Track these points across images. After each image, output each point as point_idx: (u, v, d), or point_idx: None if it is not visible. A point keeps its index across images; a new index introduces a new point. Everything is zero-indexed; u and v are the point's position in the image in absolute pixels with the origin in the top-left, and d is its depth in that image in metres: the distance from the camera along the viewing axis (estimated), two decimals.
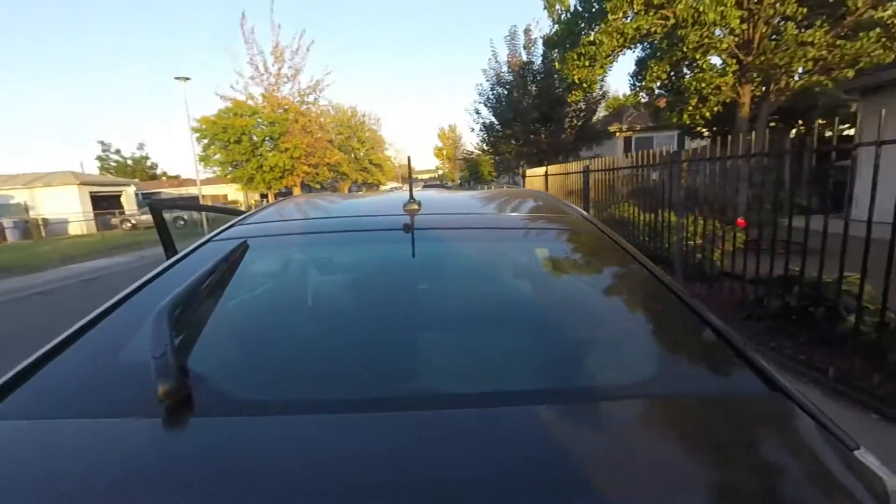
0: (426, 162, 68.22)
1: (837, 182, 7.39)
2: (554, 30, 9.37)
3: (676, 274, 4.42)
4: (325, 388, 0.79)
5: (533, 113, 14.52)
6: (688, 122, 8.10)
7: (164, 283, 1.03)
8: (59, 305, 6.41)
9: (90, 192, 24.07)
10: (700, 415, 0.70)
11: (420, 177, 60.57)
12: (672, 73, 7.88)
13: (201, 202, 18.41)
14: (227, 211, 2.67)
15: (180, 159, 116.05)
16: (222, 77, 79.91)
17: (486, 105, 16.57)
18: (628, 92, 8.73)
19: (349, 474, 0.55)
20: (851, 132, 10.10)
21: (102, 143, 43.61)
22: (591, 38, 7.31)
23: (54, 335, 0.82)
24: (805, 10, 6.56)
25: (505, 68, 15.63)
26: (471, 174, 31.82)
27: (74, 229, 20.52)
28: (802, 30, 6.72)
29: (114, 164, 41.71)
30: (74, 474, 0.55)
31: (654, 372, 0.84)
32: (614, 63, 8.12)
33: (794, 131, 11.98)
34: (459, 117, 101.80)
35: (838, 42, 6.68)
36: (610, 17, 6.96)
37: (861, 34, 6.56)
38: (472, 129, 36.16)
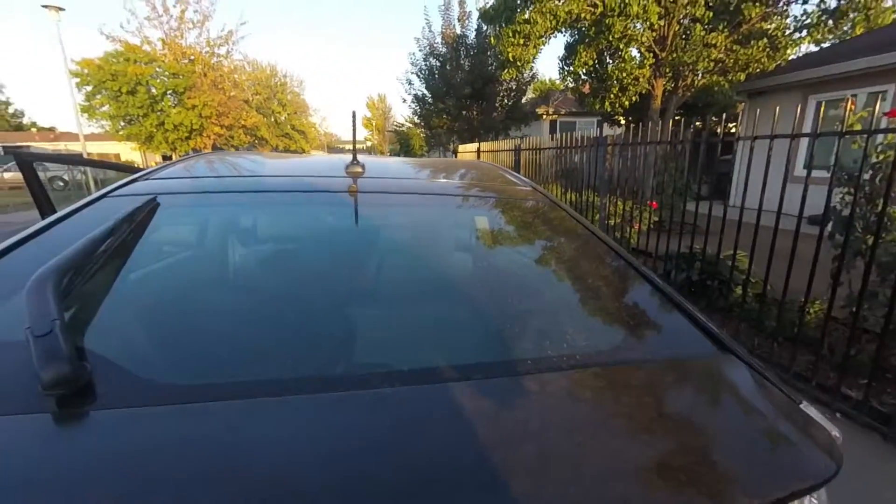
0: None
1: (722, 173, 8.56)
2: (490, 2, 9.31)
3: None
4: (255, 368, 0.68)
5: (465, 88, 14.47)
6: (609, 110, 8.65)
7: (43, 245, 0.82)
8: None
9: None
10: (659, 378, 0.73)
11: (347, 147, 57.95)
12: (597, 62, 8.31)
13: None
14: (124, 169, 2.29)
15: (56, 109, 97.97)
16: (110, 14, 67.76)
17: (418, 76, 16.14)
18: (556, 77, 9.02)
19: (282, 471, 0.47)
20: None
21: None
22: (526, 17, 7.39)
23: None
24: (711, 14, 7.27)
25: (439, 39, 15.29)
26: (401, 147, 31.14)
27: None
28: (708, 32, 7.47)
29: None
30: None
31: (614, 340, 0.86)
32: (546, 44, 8.33)
33: (693, 125, 13.37)
34: (390, 87, 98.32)
35: (734, 47, 7.55)
36: None
37: (752, 42, 7.49)
38: (405, 101, 35.18)
